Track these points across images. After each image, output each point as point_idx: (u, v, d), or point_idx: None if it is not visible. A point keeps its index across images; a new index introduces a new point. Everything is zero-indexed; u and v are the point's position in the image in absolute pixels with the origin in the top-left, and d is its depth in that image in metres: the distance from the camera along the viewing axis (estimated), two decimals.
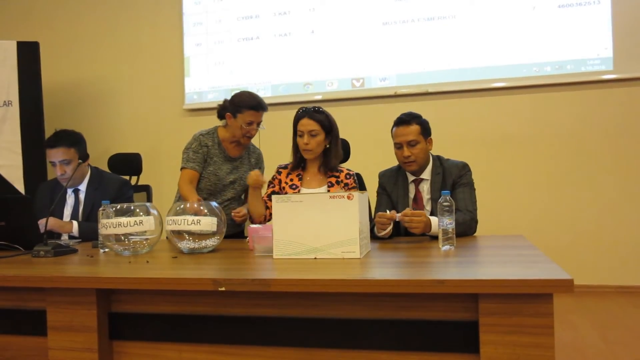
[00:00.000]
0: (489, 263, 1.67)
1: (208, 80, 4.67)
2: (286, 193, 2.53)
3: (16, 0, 5.09)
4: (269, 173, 2.72)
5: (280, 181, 2.59)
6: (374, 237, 2.17)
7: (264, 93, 4.52)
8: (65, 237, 2.69)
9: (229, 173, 2.80)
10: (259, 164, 2.91)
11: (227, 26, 4.63)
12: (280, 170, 2.63)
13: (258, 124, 2.75)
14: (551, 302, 1.32)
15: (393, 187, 2.46)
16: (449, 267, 1.62)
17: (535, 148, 3.97)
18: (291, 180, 2.57)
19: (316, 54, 4.42)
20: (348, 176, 2.56)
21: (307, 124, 2.47)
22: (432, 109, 4.01)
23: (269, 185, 2.64)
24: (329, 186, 2.52)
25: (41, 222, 2.38)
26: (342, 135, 3.21)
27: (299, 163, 2.57)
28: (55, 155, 2.69)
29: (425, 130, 2.38)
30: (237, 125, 2.72)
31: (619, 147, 3.82)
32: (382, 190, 2.50)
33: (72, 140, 2.75)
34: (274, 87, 4.53)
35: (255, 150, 2.94)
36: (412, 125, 2.36)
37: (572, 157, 3.90)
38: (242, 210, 2.62)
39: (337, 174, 2.56)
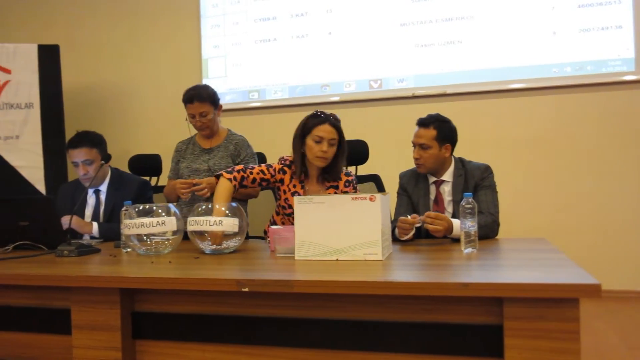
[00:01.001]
0: (513, 266, 1.66)
1: (226, 82, 4.69)
2: (285, 195, 2.47)
3: (37, 5, 5.16)
4: None
5: (282, 180, 2.44)
6: (394, 239, 2.17)
7: (282, 94, 4.54)
8: (86, 237, 2.72)
9: (204, 163, 2.88)
10: (238, 149, 2.92)
11: (245, 28, 4.65)
12: (285, 168, 2.45)
13: (201, 115, 2.83)
14: (577, 307, 1.30)
15: (414, 189, 2.45)
16: (472, 270, 1.61)
17: (556, 150, 3.92)
18: (294, 186, 2.43)
19: (333, 55, 4.42)
20: (347, 183, 2.44)
21: (329, 131, 2.33)
22: (450, 111, 3.95)
23: (268, 167, 2.44)
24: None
25: (64, 220, 2.41)
26: (360, 136, 3.22)
27: (302, 169, 2.41)
28: (78, 155, 2.73)
29: (443, 136, 2.34)
30: (189, 120, 2.89)
31: None
32: (402, 191, 2.49)
33: (95, 140, 2.79)
34: (292, 88, 4.53)
35: (235, 137, 2.96)
36: (429, 128, 2.35)
37: (594, 160, 3.85)
38: (200, 180, 2.67)
39: (335, 183, 2.43)
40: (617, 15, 3.82)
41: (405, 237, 2.14)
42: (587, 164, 3.87)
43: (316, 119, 2.37)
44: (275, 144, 3.77)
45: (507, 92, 4.04)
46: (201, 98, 2.81)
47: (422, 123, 2.37)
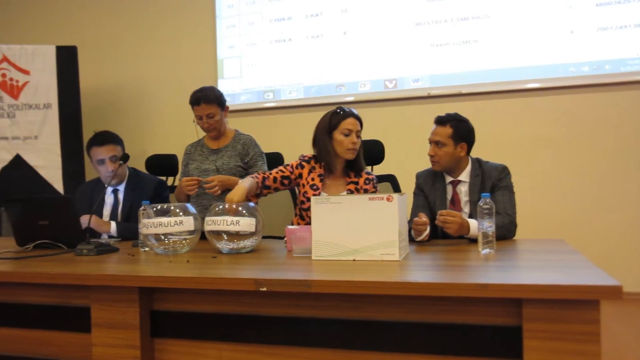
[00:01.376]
0: (532, 268, 1.65)
1: (241, 82, 4.71)
2: (303, 188, 2.51)
3: (55, 7, 5.22)
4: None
5: (301, 175, 2.52)
6: (411, 239, 2.16)
7: (297, 94, 4.55)
8: (104, 236, 2.75)
9: (212, 163, 2.90)
10: (246, 149, 2.93)
11: (260, 28, 4.66)
12: (303, 163, 2.54)
13: (208, 116, 2.85)
14: (598, 309, 1.29)
15: (430, 189, 2.44)
16: (490, 271, 1.60)
17: (573, 150, 3.88)
18: (312, 179, 2.50)
19: (348, 55, 4.42)
20: (367, 181, 2.50)
21: (355, 123, 2.44)
22: (466, 111, 3.93)
23: (285, 166, 2.55)
24: (348, 192, 2.47)
25: (83, 219, 2.44)
26: (376, 136, 3.22)
27: (328, 164, 2.47)
28: (105, 152, 2.78)
29: (459, 135, 2.34)
30: (197, 121, 2.91)
31: None
32: (419, 191, 2.49)
33: (118, 139, 2.88)
34: (306, 88, 4.54)
35: (242, 137, 2.97)
36: (445, 126, 2.35)
37: (611, 160, 3.81)
38: (213, 179, 2.67)
39: (356, 179, 2.50)
40: (636, 13, 3.77)
41: (420, 238, 2.13)
42: (605, 164, 3.82)
43: (341, 113, 2.47)
44: (290, 143, 3.78)
45: (523, 92, 4.01)
46: (208, 100, 2.83)
47: (440, 121, 2.39)
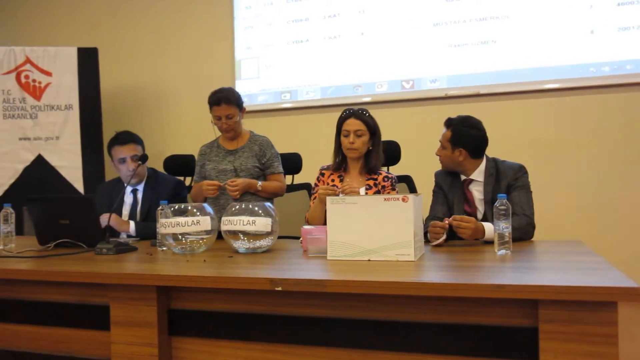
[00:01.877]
0: (548, 269, 1.63)
1: (258, 83, 4.74)
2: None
3: (77, 9, 5.31)
4: (312, 174, 2.78)
5: (323, 183, 2.64)
6: (427, 241, 2.16)
7: (314, 95, 4.56)
8: (123, 235, 2.79)
9: (230, 163, 2.91)
10: (263, 150, 2.95)
11: (277, 29, 4.69)
12: (323, 172, 2.69)
13: (227, 117, 2.86)
14: (615, 311, 1.28)
15: (449, 187, 2.44)
16: (506, 272, 1.60)
17: (592, 151, 3.84)
18: (332, 181, 2.62)
19: (365, 56, 4.42)
20: (386, 179, 2.58)
21: (353, 123, 2.54)
22: (484, 111, 3.90)
23: (313, 189, 2.70)
24: (367, 188, 2.54)
25: (103, 218, 2.48)
26: (392, 137, 3.21)
27: (340, 164, 2.63)
28: (127, 151, 2.84)
29: (457, 139, 2.34)
30: (214, 122, 2.92)
31: None
32: (438, 189, 2.49)
33: (139, 139, 2.94)
34: (323, 89, 4.55)
35: (258, 138, 2.99)
36: (447, 129, 2.39)
37: (632, 161, 3.75)
38: (237, 180, 2.74)
39: (375, 176, 2.58)
40: None
41: (436, 243, 2.12)
42: (625, 165, 3.77)
43: (343, 115, 2.60)
44: (308, 144, 3.79)
45: (542, 92, 3.98)
46: (228, 101, 2.85)
47: (445, 123, 2.43)
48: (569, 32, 3.90)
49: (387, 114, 4.25)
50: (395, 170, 3.17)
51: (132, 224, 2.78)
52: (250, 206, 2.07)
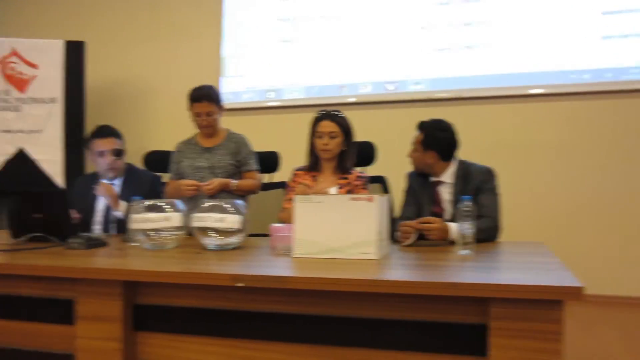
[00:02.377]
0: (503, 269, 1.68)
1: (244, 81, 4.75)
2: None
3: (65, 1, 5.29)
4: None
5: (297, 184, 2.66)
6: (397, 241, 2.19)
7: (298, 94, 4.59)
8: (96, 229, 2.80)
9: (206, 161, 2.94)
10: (239, 147, 2.98)
11: (265, 28, 4.70)
12: (296, 172, 2.73)
13: (207, 114, 2.90)
14: (560, 309, 1.32)
15: (420, 188, 2.49)
16: (463, 271, 1.64)
17: (570, 156, 3.89)
18: (306, 181, 2.65)
19: (350, 57, 4.45)
20: (358, 178, 2.63)
21: (327, 125, 2.58)
22: (466, 115, 3.98)
23: (287, 190, 2.72)
24: (339, 187, 2.58)
25: (74, 212, 2.49)
26: (374, 138, 3.25)
27: (314, 164, 2.66)
28: (107, 144, 2.85)
29: (429, 142, 2.40)
30: (193, 118, 2.96)
31: None
32: (409, 190, 2.54)
33: (119, 133, 2.96)
34: (308, 89, 4.58)
35: (235, 136, 3.02)
36: (419, 132, 2.45)
37: (608, 166, 3.81)
38: (212, 182, 2.77)
39: (348, 175, 2.63)
40: (638, 23, 3.77)
41: (405, 243, 2.15)
42: (601, 170, 3.82)
43: (317, 117, 2.64)
44: (291, 143, 3.81)
45: (523, 98, 4.03)
46: (210, 98, 2.89)
47: (417, 126, 2.48)
48: (551, 39, 3.95)
49: (371, 115, 4.30)
50: (375, 170, 3.21)
51: (124, 204, 2.77)
52: (221, 203, 2.10)
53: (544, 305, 1.33)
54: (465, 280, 1.43)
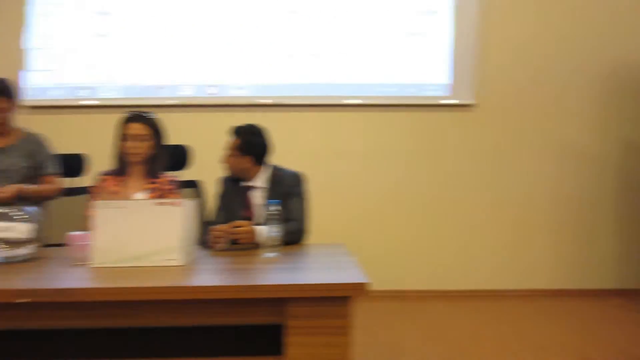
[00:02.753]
0: (303, 269, 1.76)
1: (52, 76, 4.35)
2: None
3: None
4: None
5: (103, 189, 2.50)
6: (210, 246, 2.17)
7: (116, 94, 4.33)
8: None
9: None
10: (36, 149, 2.75)
11: (78, 21, 4.35)
12: (102, 177, 2.54)
13: (2, 110, 2.62)
14: (347, 304, 1.42)
15: (233, 193, 2.50)
16: (265, 273, 1.68)
17: (377, 163, 4.19)
18: (114, 186, 2.49)
19: (171, 57, 4.32)
20: (168, 183, 2.52)
21: (136, 127, 2.46)
22: (285, 121, 4.12)
23: (92, 196, 2.53)
24: (149, 192, 2.46)
25: None
26: (194, 141, 3.20)
27: (121, 168, 2.51)
28: None
29: (245, 147, 2.42)
30: None
31: (454, 164, 4.19)
32: (222, 194, 2.54)
33: None
34: (126, 88, 4.34)
35: (32, 137, 2.79)
36: (236, 138, 2.45)
37: (406, 172, 4.18)
38: (3, 191, 2.49)
39: (157, 180, 2.51)
40: (438, 45, 4.23)
41: (218, 247, 2.15)
42: (399, 176, 4.19)
43: (126, 118, 2.51)
44: (105, 145, 3.59)
45: (338, 107, 4.26)
46: (9, 93, 2.60)
47: (232, 131, 2.48)
48: (363, 56, 4.25)
49: (190, 118, 4.22)
50: (194, 174, 3.15)
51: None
52: (6, 211, 1.90)
53: (333, 302, 1.42)
54: (264, 282, 1.47)
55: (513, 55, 4.17)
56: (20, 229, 1.86)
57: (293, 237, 2.25)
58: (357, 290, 1.40)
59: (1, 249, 1.87)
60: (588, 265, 4.17)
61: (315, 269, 1.72)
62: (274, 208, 1.96)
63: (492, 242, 4.17)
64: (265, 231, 2.01)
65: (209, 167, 3.25)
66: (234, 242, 2.23)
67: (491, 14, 4.15)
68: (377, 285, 3.91)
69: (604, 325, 3.34)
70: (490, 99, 4.18)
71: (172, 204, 1.78)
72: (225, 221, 2.29)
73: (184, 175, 3.07)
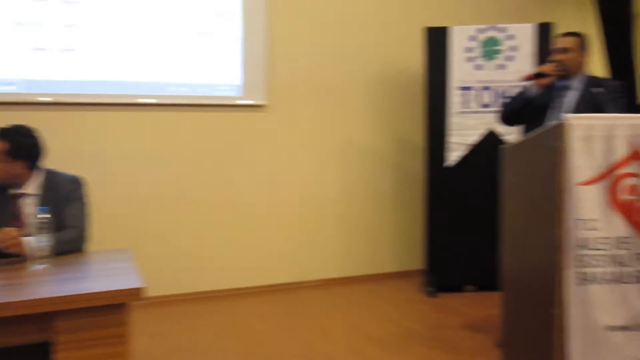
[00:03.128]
0: (75, 279, 1.64)
1: None
2: None
3: None
4: None
5: None
6: None
7: None
8: None
9: None
10: None
11: None
12: None
13: None
14: (123, 312, 1.37)
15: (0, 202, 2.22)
16: (31, 287, 1.53)
17: (163, 163, 4.02)
18: None
19: None
20: None
21: None
22: (64, 120, 3.81)
23: None
24: None
25: None
26: None
27: None
28: None
29: (16, 150, 2.18)
30: None
31: (247, 164, 4.26)
32: None
33: None
34: None
35: None
36: (3, 141, 2.18)
37: (196, 173, 4.11)
38: None
39: None
40: (230, 47, 4.27)
41: None
42: (191, 177, 4.13)
43: None
44: None
45: (124, 106, 4.04)
46: None
47: None
48: (155, 54, 4.10)
49: None
50: None
51: None
52: None
53: (108, 310, 1.36)
54: (27, 298, 1.34)
55: (300, 58, 4.39)
56: None
57: (71, 245, 2.09)
58: (132, 295, 1.35)
59: None
60: (372, 252, 4.60)
61: (89, 277, 1.62)
62: (43, 216, 1.79)
63: (285, 237, 4.34)
64: (33, 242, 1.83)
65: None
66: (1, 254, 1.99)
67: (277, 20, 4.33)
68: (172, 289, 3.91)
69: (382, 305, 3.72)
70: (280, 100, 4.35)
71: None
72: None
73: None
